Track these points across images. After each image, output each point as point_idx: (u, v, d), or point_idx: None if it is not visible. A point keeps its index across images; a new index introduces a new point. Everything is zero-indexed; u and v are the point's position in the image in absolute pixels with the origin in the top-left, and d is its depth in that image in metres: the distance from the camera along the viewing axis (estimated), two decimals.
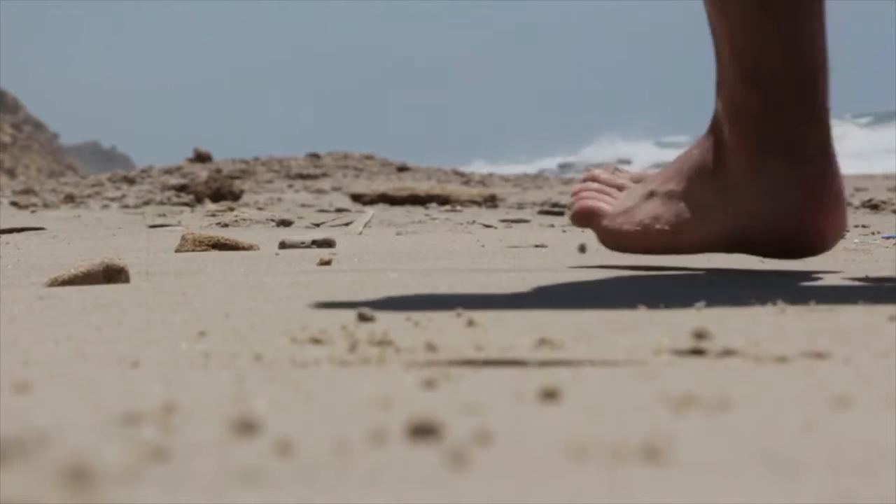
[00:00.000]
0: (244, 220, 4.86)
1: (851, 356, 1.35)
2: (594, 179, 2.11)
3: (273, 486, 0.82)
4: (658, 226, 1.99)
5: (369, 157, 13.03)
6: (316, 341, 1.47)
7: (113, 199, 8.27)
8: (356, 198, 7.28)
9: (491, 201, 6.98)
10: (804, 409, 1.06)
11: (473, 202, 6.93)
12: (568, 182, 12.13)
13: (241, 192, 7.48)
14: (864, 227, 4.26)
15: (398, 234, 3.96)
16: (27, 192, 9.76)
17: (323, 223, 4.79)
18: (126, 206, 7.16)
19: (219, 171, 11.37)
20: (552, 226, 4.59)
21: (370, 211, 5.40)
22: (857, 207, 6.11)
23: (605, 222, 2.12)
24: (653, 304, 1.81)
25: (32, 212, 6.48)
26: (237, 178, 10.48)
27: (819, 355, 1.35)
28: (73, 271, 2.26)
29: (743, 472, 0.85)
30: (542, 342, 1.44)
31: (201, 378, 1.25)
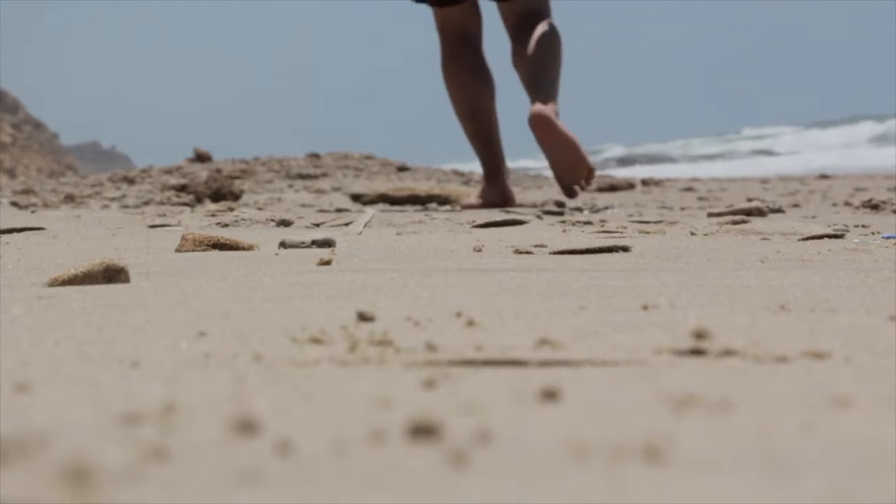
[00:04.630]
0: (244, 219, 4.86)
1: (851, 356, 1.35)
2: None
3: (273, 486, 0.82)
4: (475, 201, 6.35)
5: (369, 157, 13.02)
6: (316, 341, 1.47)
7: (113, 199, 8.27)
8: (356, 198, 7.28)
9: None
10: (804, 409, 1.07)
11: (478, 205, 6.93)
12: None
13: (241, 192, 7.47)
14: (864, 227, 4.26)
15: (398, 234, 3.96)
16: (27, 192, 9.76)
17: (323, 223, 4.79)
18: (126, 206, 7.16)
19: (219, 171, 11.36)
20: (552, 225, 4.59)
21: (370, 211, 5.39)
22: (857, 207, 6.11)
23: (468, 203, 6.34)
24: (653, 304, 1.81)
25: (32, 212, 6.47)
26: (237, 178, 10.47)
27: (819, 355, 1.35)
28: (73, 271, 2.26)
29: (743, 472, 0.85)
30: (542, 342, 1.44)
31: (201, 378, 1.25)
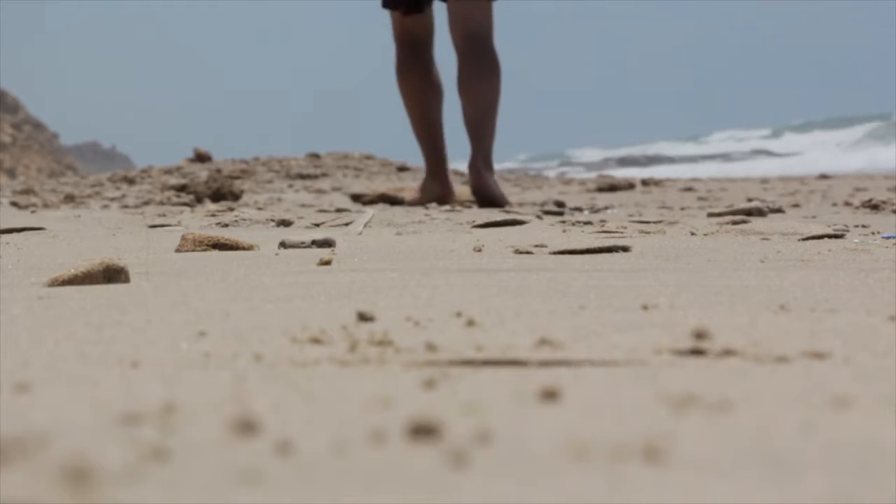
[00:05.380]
0: (244, 219, 4.85)
1: (851, 356, 1.35)
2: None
3: (273, 486, 0.82)
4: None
5: (369, 157, 13.03)
6: (316, 341, 1.47)
7: (113, 199, 8.26)
8: (356, 198, 7.28)
9: None
10: (804, 409, 1.07)
11: (474, 202, 6.94)
12: (568, 182, 12.13)
13: (241, 192, 7.47)
14: (864, 227, 4.25)
15: (398, 234, 3.96)
16: (27, 192, 9.75)
17: (323, 223, 4.79)
18: (126, 206, 7.15)
19: (219, 171, 11.36)
20: (552, 225, 4.59)
21: (370, 211, 5.38)
22: (857, 207, 6.11)
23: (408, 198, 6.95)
24: (653, 304, 1.81)
25: (32, 212, 6.47)
26: (237, 178, 10.47)
27: (819, 355, 1.35)
28: (73, 271, 2.26)
29: (743, 472, 0.85)
30: (542, 342, 1.44)
31: (201, 378, 1.25)
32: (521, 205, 6.82)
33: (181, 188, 8.02)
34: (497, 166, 6.85)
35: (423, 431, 0.95)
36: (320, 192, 9.52)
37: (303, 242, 3.21)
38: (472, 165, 6.61)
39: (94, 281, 2.26)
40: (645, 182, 9.93)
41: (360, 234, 4.01)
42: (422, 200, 6.85)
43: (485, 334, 1.52)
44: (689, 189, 9.31)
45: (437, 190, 6.85)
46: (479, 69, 6.69)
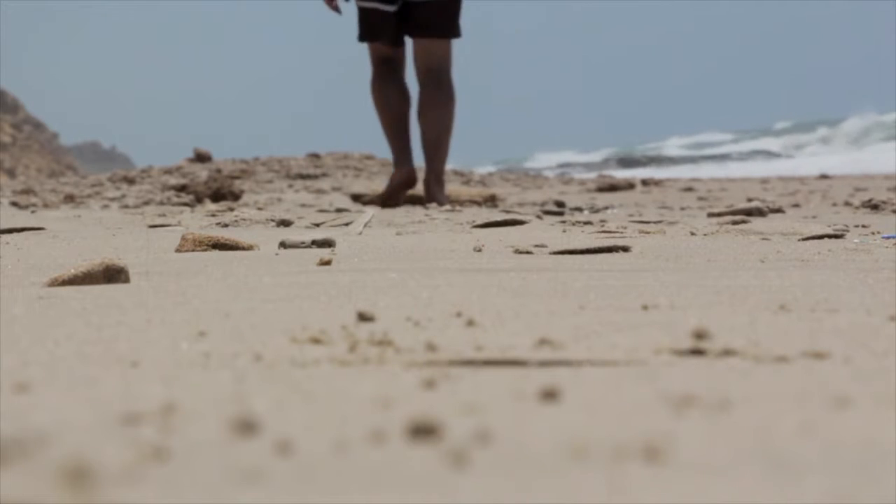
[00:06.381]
0: (244, 219, 4.84)
1: (851, 356, 1.35)
2: None
3: (273, 486, 0.82)
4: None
5: (369, 157, 13.04)
6: (316, 341, 1.47)
7: (113, 199, 8.27)
8: (356, 198, 7.30)
9: (491, 201, 7.00)
10: (804, 409, 1.07)
11: (473, 202, 6.96)
12: (568, 182, 12.13)
13: (241, 192, 7.48)
14: (864, 227, 4.25)
15: (398, 234, 3.96)
16: (27, 192, 9.75)
17: (323, 223, 4.79)
18: (126, 206, 7.16)
19: (219, 171, 11.36)
20: (552, 225, 4.59)
21: (370, 211, 5.39)
22: (857, 207, 6.12)
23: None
24: (653, 304, 1.81)
25: (32, 212, 6.47)
26: (237, 178, 10.46)
27: (819, 355, 1.36)
28: (73, 271, 2.26)
29: (743, 472, 0.85)
30: (542, 342, 1.44)
31: (201, 378, 1.25)
32: (521, 205, 6.82)
33: (181, 188, 8.03)
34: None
35: (422, 431, 0.95)
36: (320, 192, 9.53)
37: (303, 242, 3.21)
38: (426, 181, 7.32)
39: (94, 281, 2.26)
40: (645, 182, 9.94)
41: (360, 234, 4.01)
42: (391, 188, 7.33)
43: (485, 334, 1.52)
44: (689, 189, 9.31)
45: (402, 175, 7.36)
46: (436, 99, 7.49)
